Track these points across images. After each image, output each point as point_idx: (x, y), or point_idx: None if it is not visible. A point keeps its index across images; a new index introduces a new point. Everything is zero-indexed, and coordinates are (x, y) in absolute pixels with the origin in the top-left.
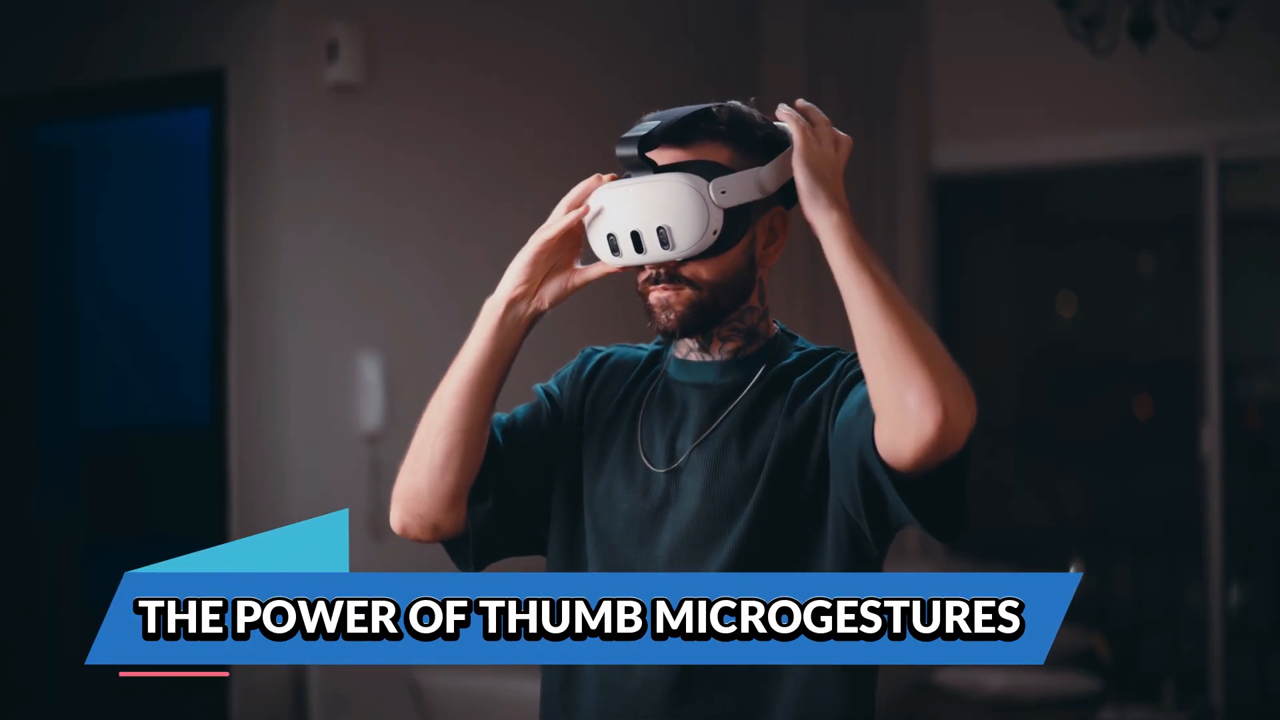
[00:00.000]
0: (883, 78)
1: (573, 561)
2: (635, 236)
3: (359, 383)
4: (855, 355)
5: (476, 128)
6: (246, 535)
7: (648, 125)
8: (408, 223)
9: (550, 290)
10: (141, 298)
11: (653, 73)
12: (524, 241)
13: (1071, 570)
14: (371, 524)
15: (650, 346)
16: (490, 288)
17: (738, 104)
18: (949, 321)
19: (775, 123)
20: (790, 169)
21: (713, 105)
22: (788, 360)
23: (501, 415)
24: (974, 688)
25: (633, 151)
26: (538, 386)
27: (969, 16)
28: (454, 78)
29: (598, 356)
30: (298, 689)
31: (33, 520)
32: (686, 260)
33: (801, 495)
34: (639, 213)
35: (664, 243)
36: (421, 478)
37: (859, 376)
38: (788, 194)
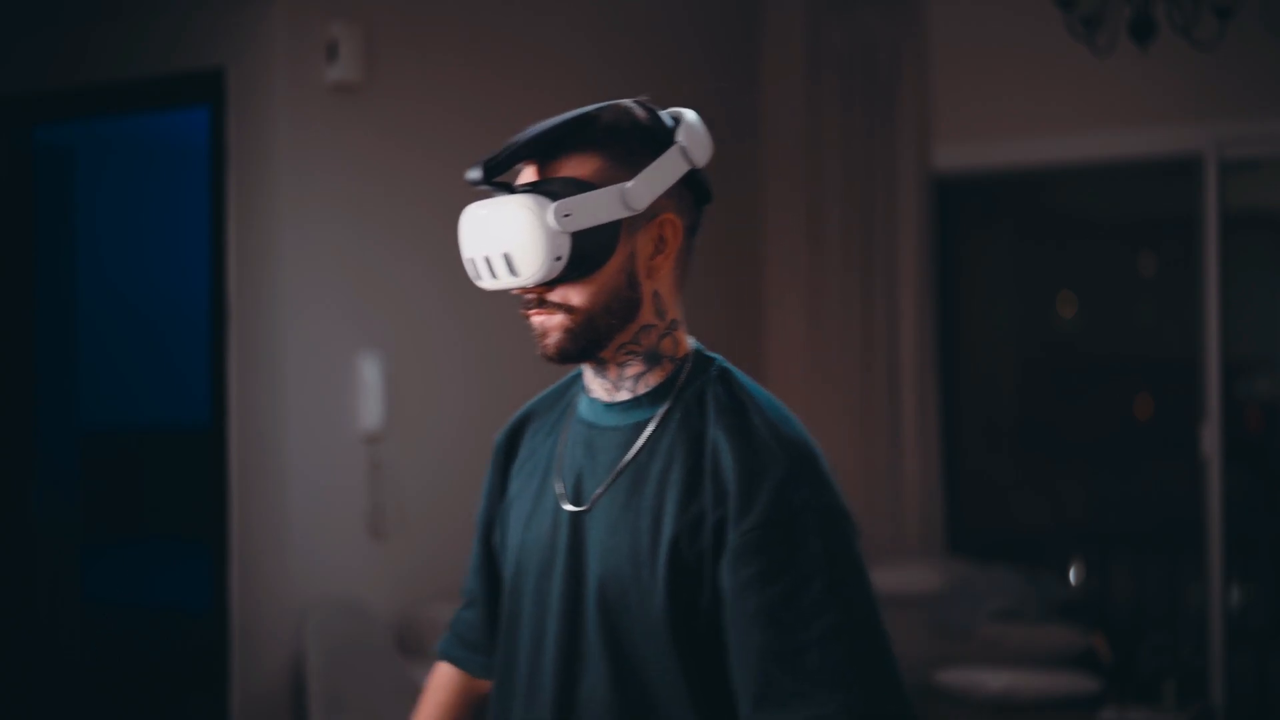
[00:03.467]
0: (883, 77)
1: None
2: (488, 261)
3: (359, 383)
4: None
5: (476, 127)
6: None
7: (508, 143)
8: (408, 222)
9: None
10: (141, 298)
11: (653, 71)
12: None
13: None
14: (371, 524)
15: (558, 385)
16: None
17: (624, 105)
18: (949, 321)
19: (671, 118)
20: (678, 172)
21: (593, 109)
22: (707, 412)
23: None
24: (975, 688)
25: (477, 175)
26: (477, 513)
27: (969, 16)
28: (454, 77)
29: (503, 433)
30: (297, 689)
31: (32, 520)
32: (550, 285)
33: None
34: (488, 238)
35: (511, 269)
36: None
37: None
38: (690, 196)
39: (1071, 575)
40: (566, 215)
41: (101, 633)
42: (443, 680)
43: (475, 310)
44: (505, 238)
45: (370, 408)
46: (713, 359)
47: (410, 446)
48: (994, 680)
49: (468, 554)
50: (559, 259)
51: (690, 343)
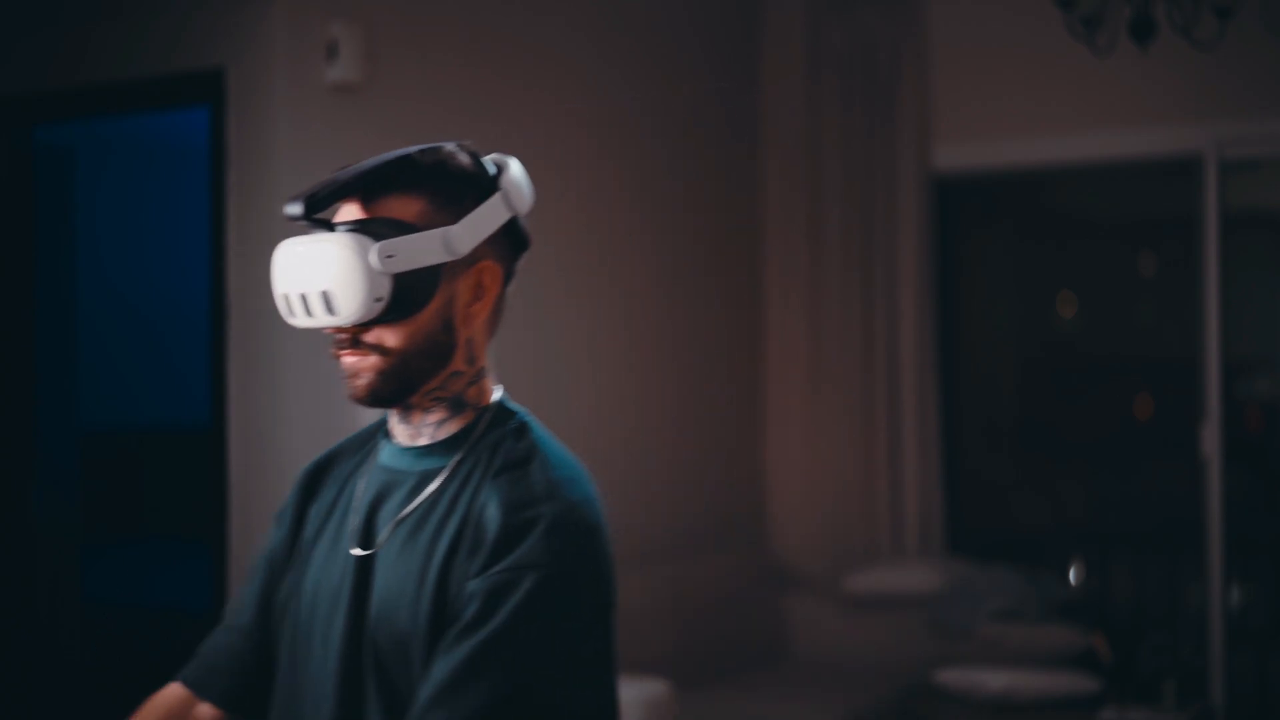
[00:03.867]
0: (883, 77)
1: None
2: (304, 299)
3: None
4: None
5: (476, 127)
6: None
7: (328, 179)
8: None
9: None
10: (141, 298)
11: (653, 71)
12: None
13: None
14: None
15: (367, 428)
16: None
17: (448, 148)
18: (949, 321)
19: (494, 165)
20: (499, 219)
21: (415, 150)
22: (495, 463)
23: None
24: (974, 688)
25: (298, 210)
26: (266, 539)
27: (969, 16)
28: (454, 77)
29: (307, 470)
30: None
31: (32, 520)
32: (366, 326)
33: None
34: (305, 274)
35: (329, 308)
36: None
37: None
38: (508, 244)
39: (1071, 575)
40: (390, 256)
41: (101, 633)
42: (163, 700)
43: None
44: (325, 275)
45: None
46: (514, 411)
47: None
48: (994, 680)
49: None
50: (379, 300)
51: (496, 393)
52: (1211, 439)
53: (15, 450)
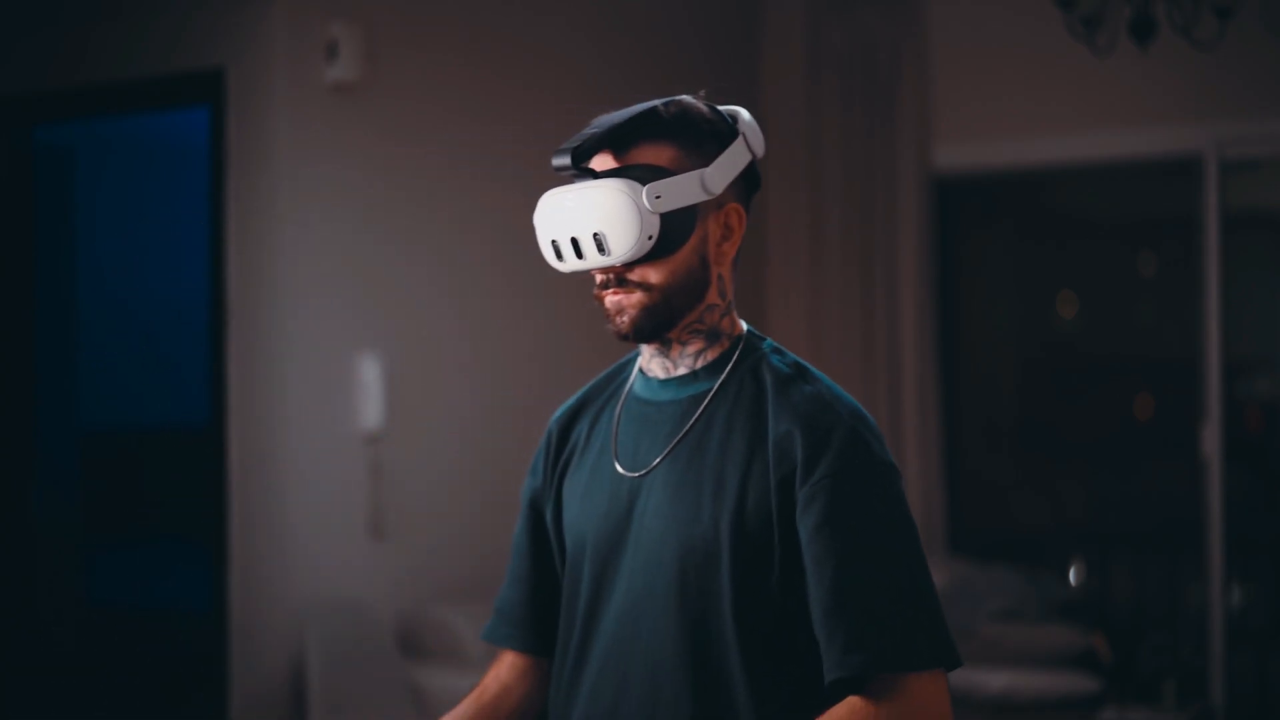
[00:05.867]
0: (883, 77)
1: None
2: (575, 243)
3: (359, 383)
4: (845, 433)
5: (476, 126)
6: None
7: (587, 133)
8: (407, 222)
9: None
10: (141, 298)
11: (653, 71)
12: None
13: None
14: (371, 524)
15: (611, 369)
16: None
17: (688, 100)
18: (949, 321)
19: (728, 114)
20: (743, 162)
21: (659, 103)
22: (764, 382)
23: (517, 542)
24: (974, 688)
25: (566, 161)
26: (523, 490)
27: (969, 16)
28: (454, 77)
29: (559, 416)
30: (297, 689)
31: (32, 520)
32: (630, 265)
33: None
34: (577, 219)
35: (601, 249)
36: None
37: (841, 501)
38: (745, 186)
39: (1071, 575)
40: (658, 197)
41: (102, 633)
42: (504, 663)
43: (476, 310)
44: (598, 218)
45: (370, 408)
46: (763, 338)
47: (410, 446)
48: (994, 680)
49: (469, 554)
50: (650, 238)
51: (742, 324)
52: (1211, 439)
53: (15, 450)
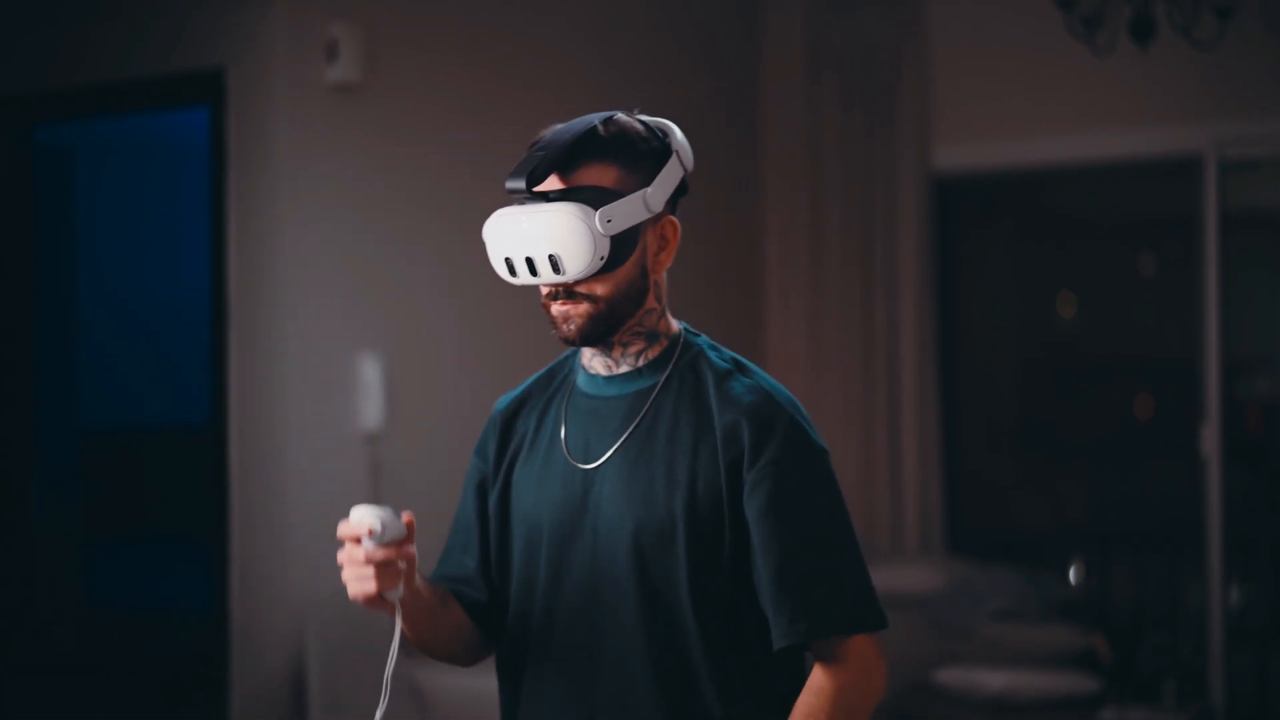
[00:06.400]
0: (883, 77)
1: (504, 562)
2: (529, 261)
3: (359, 383)
4: (780, 421)
5: (476, 126)
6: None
7: (535, 157)
8: (407, 222)
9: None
10: (141, 298)
11: (653, 71)
12: None
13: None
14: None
15: (552, 365)
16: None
17: (623, 118)
18: (949, 321)
19: (658, 129)
20: (677, 178)
21: (598, 122)
22: (704, 376)
23: (461, 519)
24: (974, 688)
25: (521, 185)
26: (469, 470)
27: (969, 16)
28: (454, 77)
29: (504, 402)
30: (297, 688)
31: (32, 520)
32: (579, 280)
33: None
34: (532, 240)
35: (556, 269)
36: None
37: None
38: (674, 197)
39: (1071, 575)
40: (609, 220)
41: (102, 633)
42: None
43: (475, 310)
44: (553, 240)
45: (370, 408)
46: (698, 334)
47: (410, 446)
48: (994, 680)
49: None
50: (602, 258)
51: (676, 323)
52: (1211, 439)
53: (15, 450)
